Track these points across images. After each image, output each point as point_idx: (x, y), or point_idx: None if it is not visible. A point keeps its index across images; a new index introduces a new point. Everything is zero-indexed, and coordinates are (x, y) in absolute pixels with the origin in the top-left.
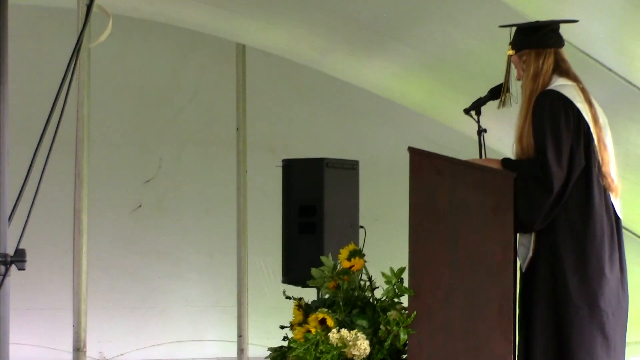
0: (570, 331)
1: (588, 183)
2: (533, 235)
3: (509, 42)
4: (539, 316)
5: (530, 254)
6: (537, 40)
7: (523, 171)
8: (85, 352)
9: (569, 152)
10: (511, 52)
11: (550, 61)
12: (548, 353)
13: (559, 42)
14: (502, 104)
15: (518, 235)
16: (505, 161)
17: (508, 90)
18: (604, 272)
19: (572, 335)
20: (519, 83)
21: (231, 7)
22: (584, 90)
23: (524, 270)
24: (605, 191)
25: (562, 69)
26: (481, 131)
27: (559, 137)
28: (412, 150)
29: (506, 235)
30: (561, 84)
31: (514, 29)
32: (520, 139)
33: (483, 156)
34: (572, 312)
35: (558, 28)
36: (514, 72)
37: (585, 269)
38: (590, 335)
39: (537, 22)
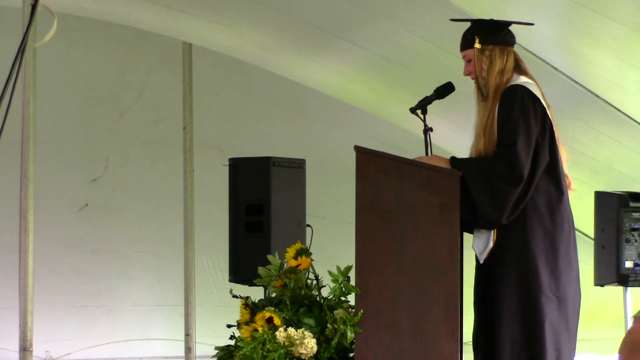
0: (541, 323)
1: (558, 178)
2: None
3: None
4: (507, 308)
5: (491, 244)
6: (502, 37)
7: (481, 167)
8: (31, 351)
9: (534, 146)
10: (478, 45)
11: (511, 59)
12: (515, 344)
13: (515, 41)
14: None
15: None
16: (454, 160)
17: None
18: (571, 266)
19: (543, 327)
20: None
21: (178, 6)
22: (542, 92)
23: (482, 261)
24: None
25: (521, 68)
26: (427, 130)
27: (530, 131)
28: (358, 149)
29: (452, 234)
30: (525, 81)
31: (462, 28)
32: (483, 134)
33: (429, 154)
34: (543, 302)
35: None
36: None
37: (555, 262)
38: (558, 328)
39: (492, 19)
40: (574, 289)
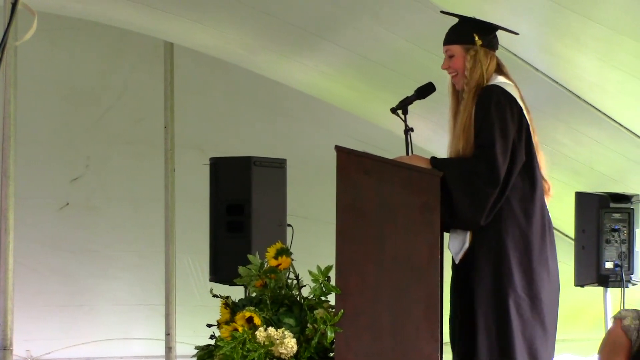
0: (513, 322)
1: (533, 179)
2: None
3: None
4: (481, 308)
5: (467, 245)
6: (490, 40)
7: (461, 168)
8: (11, 350)
9: (511, 147)
10: (480, 41)
11: (494, 62)
12: (491, 342)
13: (497, 47)
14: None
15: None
16: (435, 160)
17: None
18: (547, 266)
19: (514, 325)
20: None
21: (159, 5)
22: (521, 94)
23: (457, 261)
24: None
25: (502, 72)
26: (408, 130)
27: (506, 132)
28: (339, 149)
29: (433, 234)
30: (503, 82)
31: (443, 27)
32: (462, 134)
33: (410, 154)
34: (515, 302)
35: None
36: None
37: (529, 262)
38: (531, 327)
39: (484, 21)
40: (550, 289)
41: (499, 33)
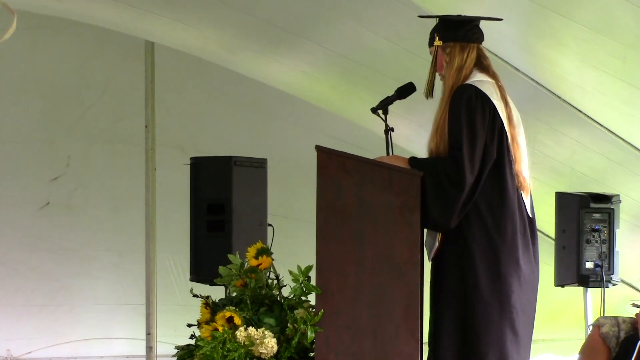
0: (479, 327)
1: (501, 181)
2: None
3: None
4: (446, 312)
5: (437, 244)
6: (463, 34)
7: (433, 169)
8: None
9: (482, 148)
10: (439, 42)
11: (473, 56)
12: (452, 346)
13: (481, 37)
14: (430, 93)
15: None
16: (413, 160)
17: (433, 81)
18: (518, 270)
19: (482, 331)
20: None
21: (140, 4)
22: (501, 89)
23: (430, 260)
24: (517, 190)
25: (483, 65)
26: (388, 130)
27: (475, 134)
28: (319, 149)
29: (413, 234)
30: (480, 80)
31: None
32: (436, 131)
33: (390, 154)
34: (481, 308)
35: (479, 24)
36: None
37: (497, 267)
38: (500, 332)
39: (459, 15)
40: (522, 292)
41: (485, 31)
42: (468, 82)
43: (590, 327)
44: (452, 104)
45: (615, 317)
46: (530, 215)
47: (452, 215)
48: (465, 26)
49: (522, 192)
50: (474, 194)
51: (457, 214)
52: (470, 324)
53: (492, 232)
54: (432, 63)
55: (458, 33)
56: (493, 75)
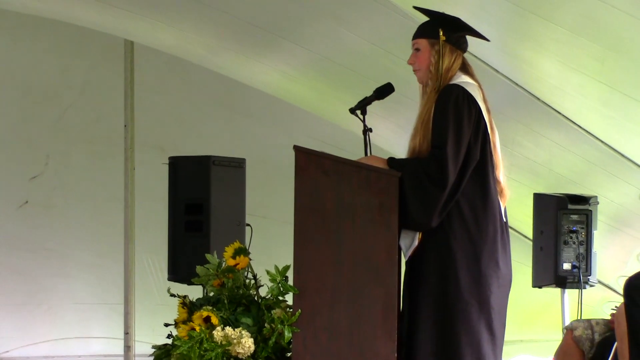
0: (458, 326)
1: (484, 183)
2: None
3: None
4: (424, 311)
5: (416, 243)
6: (457, 38)
7: (413, 169)
8: None
9: (466, 148)
10: (443, 37)
11: (459, 62)
12: (428, 346)
13: (467, 47)
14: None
15: None
16: (391, 160)
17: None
18: (497, 271)
19: (460, 330)
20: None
21: (120, 4)
22: (484, 94)
23: (406, 259)
24: (497, 193)
25: (468, 72)
26: (366, 130)
27: (460, 134)
28: (297, 149)
29: (390, 235)
30: (465, 81)
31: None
32: (420, 129)
33: (369, 155)
34: (461, 308)
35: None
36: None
37: (478, 267)
38: (478, 331)
39: (459, 19)
40: (499, 293)
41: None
42: (454, 82)
43: (563, 332)
44: (438, 102)
45: (589, 320)
46: (505, 220)
47: (432, 215)
48: (460, 32)
49: (500, 199)
50: (456, 194)
51: (438, 213)
52: (448, 324)
53: (473, 233)
54: (440, 56)
55: (453, 36)
56: (476, 80)
